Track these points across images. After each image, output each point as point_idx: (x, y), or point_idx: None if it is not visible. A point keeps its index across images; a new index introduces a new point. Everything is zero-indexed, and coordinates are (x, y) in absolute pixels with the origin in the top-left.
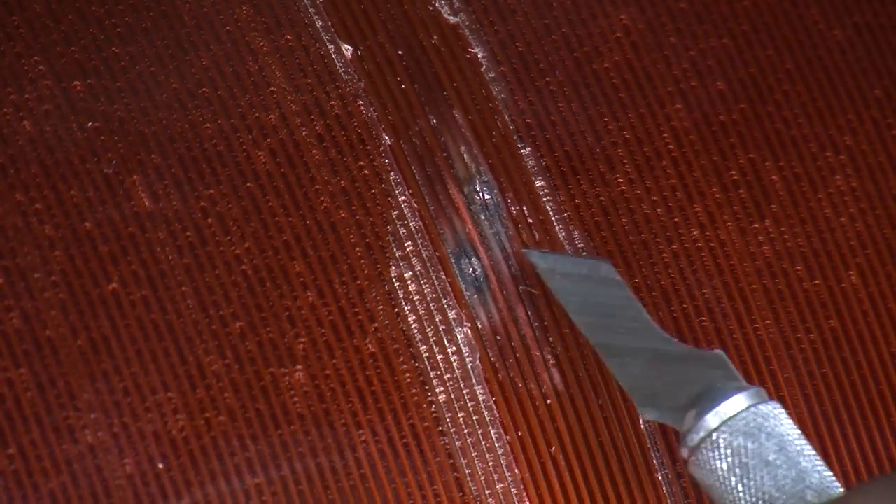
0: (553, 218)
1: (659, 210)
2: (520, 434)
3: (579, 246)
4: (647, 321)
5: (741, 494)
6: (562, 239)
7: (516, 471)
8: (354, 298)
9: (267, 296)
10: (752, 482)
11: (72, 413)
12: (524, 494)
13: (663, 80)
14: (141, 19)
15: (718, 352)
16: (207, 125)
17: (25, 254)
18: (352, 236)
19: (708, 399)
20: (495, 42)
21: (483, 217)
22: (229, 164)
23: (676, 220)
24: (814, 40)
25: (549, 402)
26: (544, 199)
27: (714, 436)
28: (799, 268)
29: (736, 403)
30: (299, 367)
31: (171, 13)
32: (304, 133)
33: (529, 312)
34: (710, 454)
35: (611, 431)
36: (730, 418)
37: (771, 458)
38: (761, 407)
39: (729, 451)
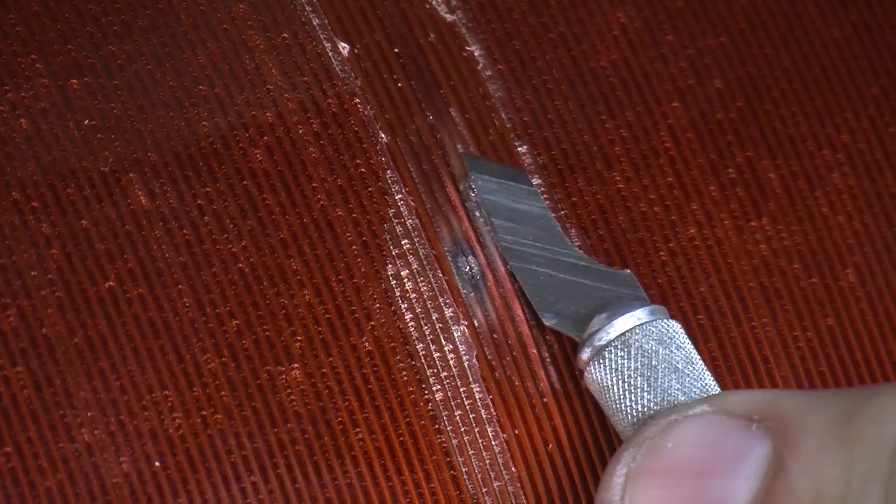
0: None
1: (656, 208)
2: (516, 432)
3: (576, 244)
4: (557, 231)
5: (644, 394)
6: None
7: (513, 469)
8: (351, 296)
9: (263, 294)
10: (659, 385)
11: (68, 411)
12: (521, 492)
13: (660, 79)
14: (138, 17)
15: (627, 271)
16: (204, 123)
17: (22, 252)
18: (348, 234)
19: (619, 305)
20: (492, 40)
21: (479, 215)
22: (226, 162)
23: (673, 218)
24: (811, 38)
25: (545, 399)
26: (541, 197)
27: (626, 336)
28: (796, 266)
29: (648, 313)
30: (296, 365)
31: (167, 11)
32: (300, 131)
33: (526, 310)
34: (619, 353)
35: (607, 429)
36: (643, 323)
37: (680, 366)
38: (672, 322)
39: (640, 353)
